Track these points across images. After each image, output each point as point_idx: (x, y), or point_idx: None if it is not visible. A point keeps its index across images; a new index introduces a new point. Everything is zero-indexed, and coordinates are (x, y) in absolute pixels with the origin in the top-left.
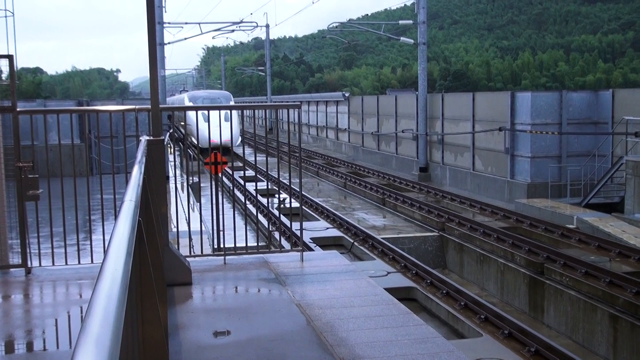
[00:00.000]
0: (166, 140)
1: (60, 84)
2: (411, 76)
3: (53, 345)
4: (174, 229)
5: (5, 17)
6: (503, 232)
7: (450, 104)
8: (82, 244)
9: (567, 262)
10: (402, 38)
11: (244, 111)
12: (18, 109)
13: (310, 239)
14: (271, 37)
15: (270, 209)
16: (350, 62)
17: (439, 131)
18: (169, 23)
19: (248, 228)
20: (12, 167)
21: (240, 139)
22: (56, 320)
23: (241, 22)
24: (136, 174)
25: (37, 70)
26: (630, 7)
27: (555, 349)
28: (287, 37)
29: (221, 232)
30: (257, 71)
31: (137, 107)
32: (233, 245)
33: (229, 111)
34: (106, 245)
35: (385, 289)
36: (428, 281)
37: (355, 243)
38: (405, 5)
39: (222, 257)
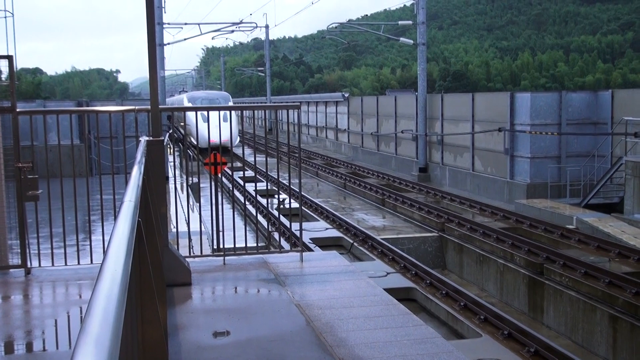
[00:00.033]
0: (166, 140)
1: (60, 85)
2: (411, 77)
3: (53, 345)
4: (174, 230)
5: (5, 17)
6: (502, 233)
7: (450, 105)
8: (81, 245)
9: (566, 263)
10: (401, 38)
11: (244, 112)
12: (17, 110)
13: (310, 239)
14: (271, 38)
15: (269, 209)
16: (350, 62)
17: (438, 132)
18: (168, 24)
19: (247, 228)
20: (11, 167)
21: (238, 139)
22: (56, 320)
23: (241, 22)
24: (136, 174)
25: (37, 71)
26: (629, 7)
27: (554, 349)
28: (287, 37)
29: (221, 233)
30: (257, 72)
31: (136, 107)
32: (232, 246)
33: (227, 111)
34: (106, 246)
35: (385, 289)
36: (427, 282)
37: (355, 243)
38: (404, 5)
39: (222, 258)
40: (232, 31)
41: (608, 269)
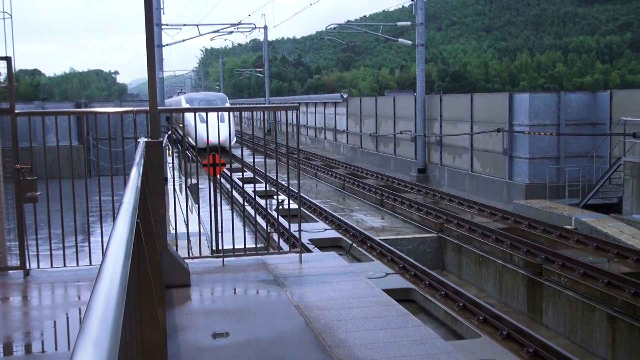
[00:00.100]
0: (164, 142)
1: (59, 86)
2: (409, 77)
3: (52, 347)
4: (173, 231)
5: (4, 19)
6: (501, 233)
7: (449, 105)
8: (80, 246)
9: (565, 263)
10: (400, 39)
11: (243, 113)
12: (16, 111)
13: (309, 240)
14: (269, 39)
15: (268, 210)
16: (349, 63)
17: (437, 132)
18: (167, 25)
19: (246, 230)
20: (10, 169)
21: (235, 139)
22: (55, 322)
23: (239, 23)
24: (134, 175)
25: (35, 72)
26: (627, 8)
27: (553, 349)
28: (285, 38)
29: (219, 234)
30: (256, 73)
31: (135, 108)
32: (231, 247)
33: (225, 112)
34: (105, 247)
35: (384, 290)
36: (427, 282)
37: (354, 244)
38: (403, 6)
39: (221, 259)
40: (231, 32)
41: (607, 269)
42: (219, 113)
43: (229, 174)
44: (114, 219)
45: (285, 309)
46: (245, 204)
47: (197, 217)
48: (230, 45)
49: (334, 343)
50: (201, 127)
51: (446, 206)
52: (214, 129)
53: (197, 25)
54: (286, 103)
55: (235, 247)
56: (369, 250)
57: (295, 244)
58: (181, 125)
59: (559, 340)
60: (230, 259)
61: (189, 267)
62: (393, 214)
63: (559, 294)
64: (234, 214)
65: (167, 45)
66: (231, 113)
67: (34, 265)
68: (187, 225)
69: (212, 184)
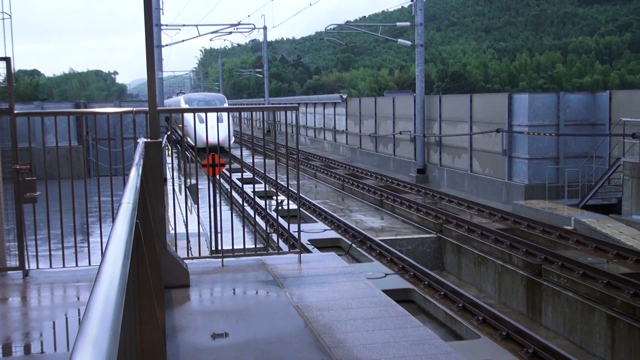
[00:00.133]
0: (164, 142)
1: (58, 86)
2: (409, 78)
3: (51, 347)
4: (172, 231)
5: (3, 19)
6: (501, 234)
7: (448, 106)
8: (79, 247)
9: (564, 264)
10: (399, 40)
11: (242, 113)
12: (15, 112)
13: (308, 240)
14: (269, 39)
15: (267, 210)
16: (348, 63)
17: (436, 133)
18: (166, 25)
19: (246, 230)
20: (9, 169)
21: (233, 139)
22: (54, 322)
23: (239, 24)
24: (134, 176)
25: (35, 73)
26: (627, 8)
27: (553, 350)
28: (285, 39)
29: (219, 234)
30: (255, 73)
31: (134, 109)
32: (231, 247)
33: (223, 113)
34: (104, 248)
35: (383, 290)
36: (426, 283)
37: (353, 245)
38: (402, 7)
39: (220, 259)
40: (230, 32)
41: (606, 270)
42: (218, 113)
43: (228, 174)
44: (113, 220)
45: (285, 309)
46: (245, 204)
47: (197, 217)
48: (229, 46)
49: (333, 343)
50: (200, 128)
51: (445, 206)
52: (212, 129)
53: (197, 25)
54: (285, 103)
55: (235, 247)
56: (369, 250)
57: (295, 245)
58: (180, 125)
59: (558, 341)
60: (230, 259)
61: (188, 268)
62: (392, 215)
63: (559, 295)
64: (234, 214)
65: (166, 45)
66: (230, 113)
67: (33, 265)
68: (186, 225)
69: (211, 185)
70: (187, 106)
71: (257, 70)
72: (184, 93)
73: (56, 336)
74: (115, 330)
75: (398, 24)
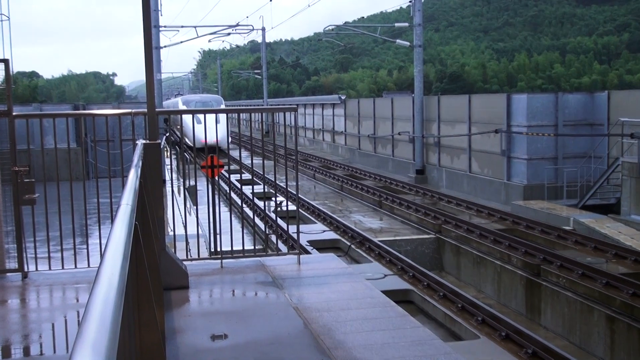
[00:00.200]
0: (162, 143)
1: (57, 88)
2: (407, 78)
3: (50, 349)
4: (171, 233)
5: (1, 21)
6: (499, 234)
7: (447, 106)
8: (78, 248)
9: (563, 264)
10: (398, 40)
11: (241, 114)
12: (14, 113)
13: (307, 241)
14: (267, 40)
15: (266, 212)
16: (347, 64)
17: (435, 133)
18: (165, 26)
19: (245, 231)
20: (8, 171)
21: (229, 139)
22: (53, 324)
23: (237, 25)
24: (132, 177)
25: (33, 75)
26: (625, 8)
27: (552, 350)
28: (283, 40)
29: (218, 236)
30: (254, 74)
31: (133, 110)
32: (230, 249)
33: (221, 114)
34: (103, 249)
35: (382, 291)
36: (425, 283)
37: (352, 246)
38: (401, 7)
39: (219, 261)
40: (229, 34)
41: (605, 270)
42: (217, 114)
43: (227, 175)
44: (112, 221)
45: (284, 310)
46: (244, 205)
47: (196, 219)
48: (228, 47)
49: (332, 344)
50: (198, 128)
51: (444, 207)
52: (210, 130)
53: (195, 27)
54: (284, 105)
55: (234, 248)
56: (368, 251)
57: (294, 246)
58: (179, 127)
59: (557, 341)
60: (229, 260)
61: (187, 269)
62: (391, 215)
63: (558, 295)
64: (232, 215)
65: (165, 47)
66: (228, 114)
67: (32, 267)
68: (185, 227)
69: (210, 186)
70: (185, 107)
71: (255, 71)
72: (182, 94)
73: (55, 338)
74: (114, 332)
75: (396, 24)
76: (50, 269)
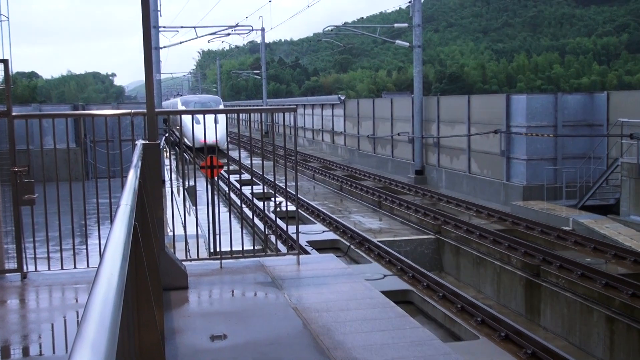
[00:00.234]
0: (162, 144)
1: (56, 88)
2: (407, 79)
3: (49, 350)
4: (170, 233)
5: (0, 21)
6: (499, 235)
7: (446, 107)
8: (78, 249)
9: (563, 264)
10: (397, 41)
11: (240, 115)
12: (13, 114)
13: (307, 242)
14: (267, 41)
15: (266, 212)
16: (346, 65)
17: (434, 134)
18: (164, 27)
19: (244, 232)
20: (7, 171)
21: (228, 139)
22: (52, 325)
23: (237, 25)
24: (132, 178)
25: (33, 75)
26: (624, 9)
27: (551, 351)
28: (283, 40)
29: (217, 236)
30: (253, 74)
31: (132, 111)
32: (229, 249)
33: (219, 114)
34: (102, 250)
35: (382, 292)
36: (424, 284)
37: (352, 246)
38: (400, 8)
39: (219, 261)
40: (228, 34)
41: (604, 271)
42: (215, 115)
43: (226, 176)
44: (112, 222)
45: (283, 311)
46: (243, 206)
47: (195, 219)
48: (227, 48)
49: (332, 345)
50: (197, 128)
51: (444, 208)
52: (209, 130)
53: (195, 27)
54: (284, 105)
55: (233, 249)
56: (367, 252)
57: (293, 246)
58: (178, 127)
59: (557, 342)
60: (228, 261)
61: (186, 270)
62: (391, 216)
63: (557, 295)
64: (232, 216)
65: (164, 47)
66: (227, 115)
67: (31, 268)
68: (184, 227)
69: (209, 186)
70: (184, 108)
71: (255, 71)
72: (181, 95)
73: (55, 338)
74: (113, 333)
75: (396, 25)
76: (49, 269)
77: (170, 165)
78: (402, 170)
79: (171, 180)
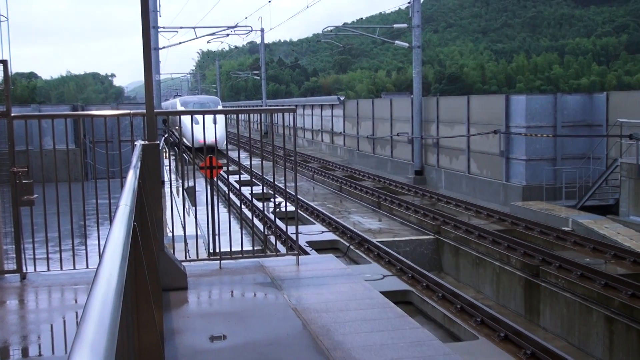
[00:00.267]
0: (161, 144)
1: (55, 89)
2: (406, 79)
3: (48, 350)
4: (170, 234)
5: (0, 21)
6: (498, 235)
7: (445, 107)
8: (77, 249)
9: (562, 265)
10: (396, 42)
11: (240, 115)
12: (12, 114)
13: (306, 242)
14: (266, 41)
15: (265, 213)
16: (345, 65)
17: (434, 134)
18: (163, 27)
19: (244, 232)
20: (6, 172)
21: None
22: (51, 325)
23: (236, 26)
24: (131, 178)
25: (32, 75)
26: (624, 10)
27: (551, 351)
28: (282, 41)
29: (217, 237)
30: (252, 75)
31: (132, 111)
32: (229, 250)
33: (217, 115)
34: (101, 250)
35: (381, 292)
36: (424, 284)
37: (351, 247)
38: (399, 9)
39: (218, 262)
40: (228, 35)
41: (604, 271)
42: (214, 115)
43: (226, 176)
44: (111, 222)
45: (283, 311)
46: (242, 206)
47: (194, 219)
48: (227, 48)
49: (331, 345)
50: (196, 128)
51: (443, 208)
52: (208, 130)
53: (194, 27)
54: (283, 105)
55: (233, 249)
56: (366, 252)
57: (293, 247)
58: (177, 127)
59: (556, 342)
60: (228, 261)
61: (186, 270)
62: (390, 216)
63: (556, 296)
64: (231, 216)
65: (163, 48)
66: (223, 115)
67: (30, 268)
68: (184, 227)
69: (209, 187)
70: (183, 108)
71: (254, 72)
72: (180, 95)
73: (54, 339)
74: (112, 333)
75: (395, 25)
76: (48, 270)
77: (170, 165)
78: (402, 171)
79: (170, 180)
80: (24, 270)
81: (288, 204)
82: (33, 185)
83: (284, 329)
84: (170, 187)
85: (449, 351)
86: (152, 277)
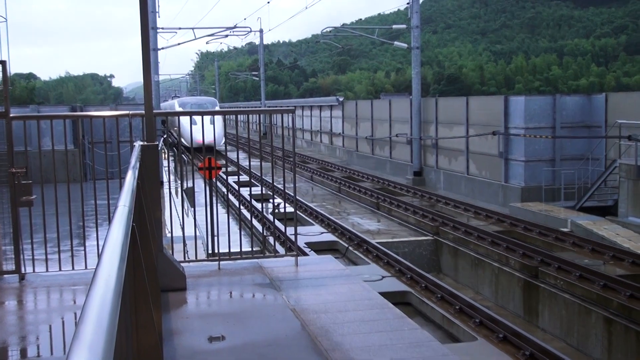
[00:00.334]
0: (160, 145)
1: (54, 90)
2: (405, 80)
3: (47, 351)
4: (168, 234)
5: None
6: (497, 236)
7: (444, 108)
8: (75, 250)
9: (561, 266)
10: (395, 42)
11: (239, 116)
12: (11, 115)
13: (305, 243)
14: (265, 42)
15: (264, 213)
16: (344, 66)
17: (433, 135)
18: (162, 28)
19: (242, 233)
20: (5, 173)
21: (223, 139)
22: (50, 326)
23: (235, 27)
24: (130, 179)
25: (31, 76)
26: (622, 11)
27: (550, 352)
28: (281, 42)
29: (215, 237)
30: (251, 76)
31: (130, 112)
32: (227, 251)
33: (213, 115)
34: (100, 251)
35: (380, 293)
36: (423, 285)
37: (350, 247)
38: (398, 9)
39: (217, 262)
40: (226, 36)
41: (602, 272)
42: (212, 116)
43: (224, 177)
44: (110, 223)
45: (282, 312)
46: (241, 207)
47: (193, 220)
48: (225, 49)
49: (330, 346)
50: (194, 129)
51: (442, 209)
52: (206, 130)
53: (193, 28)
54: (282, 106)
55: (231, 250)
56: (365, 253)
57: (292, 247)
58: (176, 128)
59: (555, 343)
60: (226, 262)
61: (184, 271)
62: (389, 217)
63: (555, 297)
64: (230, 217)
65: (162, 48)
66: (221, 116)
67: (29, 269)
68: (182, 228)
69: (208, 188)
70: (181, 109)
71: (253, 73)
72: (178, 97)
73: (52, 340)
74: (111, 334)
75: (394, 26)
76: (47, 270)
77: (169, 166)
78: (401, 172)
79: (169, 181)
80: (23, 271)
81: (287, 204)
82: (32, 186)
83: (282, 329)
84: (169, 188)
85: (448, 352)
86: (150, 278)
